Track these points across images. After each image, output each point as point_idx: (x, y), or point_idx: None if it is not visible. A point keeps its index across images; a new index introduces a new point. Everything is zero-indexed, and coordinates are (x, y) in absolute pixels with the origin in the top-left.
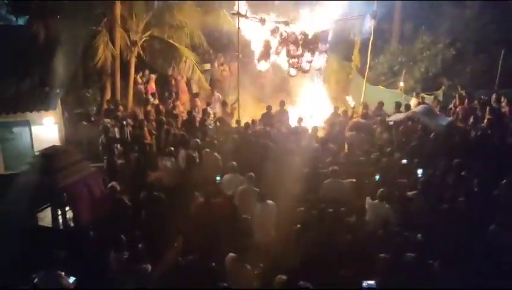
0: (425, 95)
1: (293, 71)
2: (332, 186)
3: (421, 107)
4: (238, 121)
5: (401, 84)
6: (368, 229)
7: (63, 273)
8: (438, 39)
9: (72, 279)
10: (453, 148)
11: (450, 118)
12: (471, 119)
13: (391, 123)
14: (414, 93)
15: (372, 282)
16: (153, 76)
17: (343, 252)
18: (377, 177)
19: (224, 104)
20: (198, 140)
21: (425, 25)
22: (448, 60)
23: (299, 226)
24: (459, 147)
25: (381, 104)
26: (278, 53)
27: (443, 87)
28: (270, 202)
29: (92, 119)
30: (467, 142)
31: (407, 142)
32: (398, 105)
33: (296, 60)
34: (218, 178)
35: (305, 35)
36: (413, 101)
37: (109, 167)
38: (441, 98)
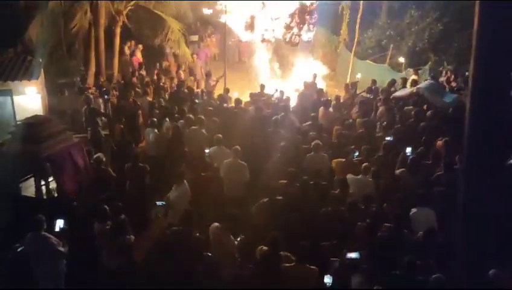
0: (411, 70)
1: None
2: (315, 160)
3: (426, 82)
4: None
5: (401, 59)
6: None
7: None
8: (426, 14)
9: (60, 222)
10: (450, 126)
11: (455, 95)
12: None
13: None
14: (412, 70)
15: (355, 254)
16: (140, 46)
17: (325, 223)
18: (355, 154)
19: (208, 75)
20: (191, 115)
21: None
22: (435, 35)
23: (280, 197)
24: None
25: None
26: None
27: (430, 62)
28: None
29: (76, 89)
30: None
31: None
32: (392, 82)
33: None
34: (207, 151)
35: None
36: (412, 78)
37: (93, 137)
38: (427, 73)
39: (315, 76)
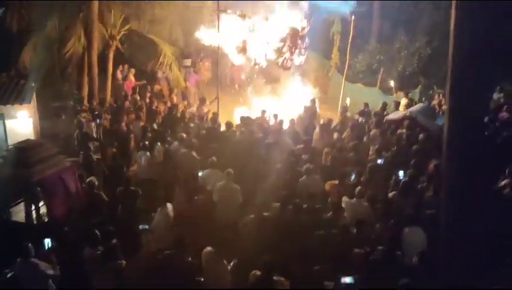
0: (402, 94)
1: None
2: (308, 183)
3: (419, 106)
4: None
5: (392, 83)
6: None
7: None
8: (415, 38)
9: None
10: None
11: None
12: None
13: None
14: (403, 93)
15: (349, 279)
16: (132, 70)
17: (319, 248)
18: (352, 177)
19: (202, 101)
20: (183, 134)
21: (403, 25)
22: (424, 59)
23: (266, 214)
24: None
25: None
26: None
27: (420, 86)
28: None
29: (71, 112)
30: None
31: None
32: (384, 105)
33: (281, 57)
34: (200, 174)
35: (286, 32)
36: (402, 101)
37: (85, 161)
38: (418, 97)
39: (314, 101)
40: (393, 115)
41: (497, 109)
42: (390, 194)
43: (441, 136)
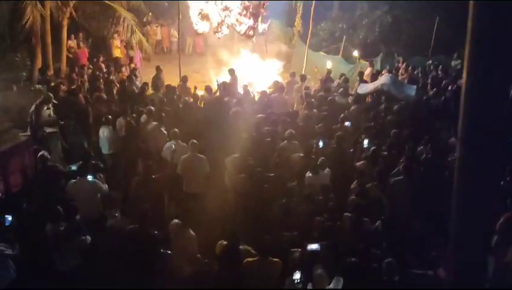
0: (363, 61)
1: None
2: (288, 148)
3: (387, 77)
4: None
5: (355, 52)
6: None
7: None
8: (376, 6)
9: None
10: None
11: (414, 86)
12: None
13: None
14: (368, 62)
15: (316, 245)
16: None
17: (283, 216)
18: (320, 143)
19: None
20: (151, 107)
21: None
22: (385, 27)
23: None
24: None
25: (329, 72)
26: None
27: (381, 54)
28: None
29: (22, 85)
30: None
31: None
32: (346, 79)
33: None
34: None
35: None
36: (367, 71)
37: (39, 136)
38: (379, 65)
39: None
40: (364, 89)
41: None
42: (358, 163)
43: (414, 105)
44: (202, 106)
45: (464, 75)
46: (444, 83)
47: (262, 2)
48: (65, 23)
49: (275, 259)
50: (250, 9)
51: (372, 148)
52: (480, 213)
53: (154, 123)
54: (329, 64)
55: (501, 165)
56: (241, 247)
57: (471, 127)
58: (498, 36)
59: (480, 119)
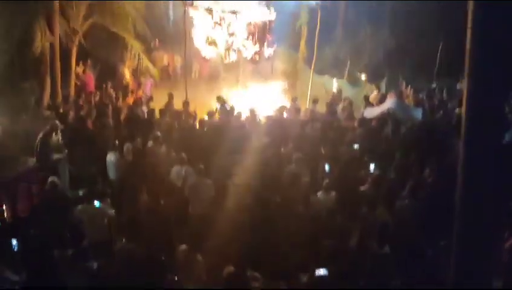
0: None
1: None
2: (295, 171)
3: (393, 100)
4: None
5: (363, 76)
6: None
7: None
8: (380, 31)
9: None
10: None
11: (420, 109)
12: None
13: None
14: (374, 86)
15: (323, 270)
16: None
17: (291, 240)
18: (326, 167)
19: (170, 96)
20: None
21: (368, 17)
22: (389, 51)
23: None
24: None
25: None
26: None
27: (385, 77)
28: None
29: (30, 111)
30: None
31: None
32: (350, 102)
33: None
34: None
35: (254, 26)
36: (374, 94)
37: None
38: (384, 88)
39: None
40: (370, 113)
41: None
42: (362, 187)
43: (420, 128)
44: (206, 130)
45: (466, 77)
46: (449, 105)
47: (267, 26)
48: (74, 50)
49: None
50: (256, 35)
51: (376, 172)
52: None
53: (164, 148)
54: (335, 87)
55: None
56: (248, 273)
57: (474, 128)
58: (498, 36)
59: (482, 119)
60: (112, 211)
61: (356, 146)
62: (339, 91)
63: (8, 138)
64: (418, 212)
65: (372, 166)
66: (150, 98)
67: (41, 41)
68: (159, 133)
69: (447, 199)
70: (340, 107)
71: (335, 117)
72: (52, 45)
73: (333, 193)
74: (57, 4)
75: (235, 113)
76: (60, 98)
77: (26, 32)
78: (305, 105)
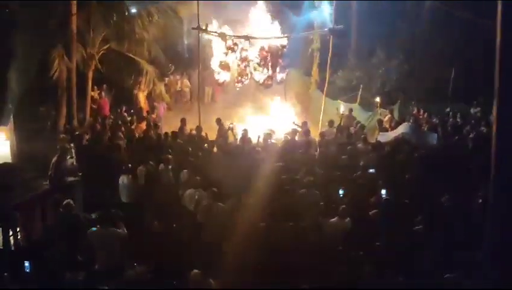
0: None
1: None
2: (308, 195)
3: (407, 125)
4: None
5: (377, 98)
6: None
7: None
8: (393, 55)
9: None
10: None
11: (435, 134)
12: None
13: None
14: (387, 111)
15: None
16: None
17: (303, 267)
18: (340, 192)
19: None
20: (169, 156)
21: (381, 42)
22: (402, 75)
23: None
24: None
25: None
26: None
27: (399, 102)
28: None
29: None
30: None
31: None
32: (362, 126)
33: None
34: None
35: (267, 50)
36: (387, 118)
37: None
38: (397, 113)
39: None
40: (384, 137)
41: None
42: (372, 213)
43: (435, 153)
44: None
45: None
46: (464, 130)
47: (280, 51)
48: (90, 75)
49: None
50: (268, 59)
51: (385, 197)
52: None
53: (185, 171)
54: (342, 109)
55: None
56: None
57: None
58: None
59: None
60: (124, 235)
61: (372, 170)
62: (350, 114)
63: (25, 161)
64: (434, 237)
65: (383, 191)
66: (163, 122)
67: (59, 66)
68: (170, 156)
69: (464, 224)
70: (351, 130)
71: (350, 141)
72: (69, 70)
73: (348, 220)
74: (74, 30)
75: (248, 137)
76: (76, 122)
77: (44, 58)
78: (318, 129)
